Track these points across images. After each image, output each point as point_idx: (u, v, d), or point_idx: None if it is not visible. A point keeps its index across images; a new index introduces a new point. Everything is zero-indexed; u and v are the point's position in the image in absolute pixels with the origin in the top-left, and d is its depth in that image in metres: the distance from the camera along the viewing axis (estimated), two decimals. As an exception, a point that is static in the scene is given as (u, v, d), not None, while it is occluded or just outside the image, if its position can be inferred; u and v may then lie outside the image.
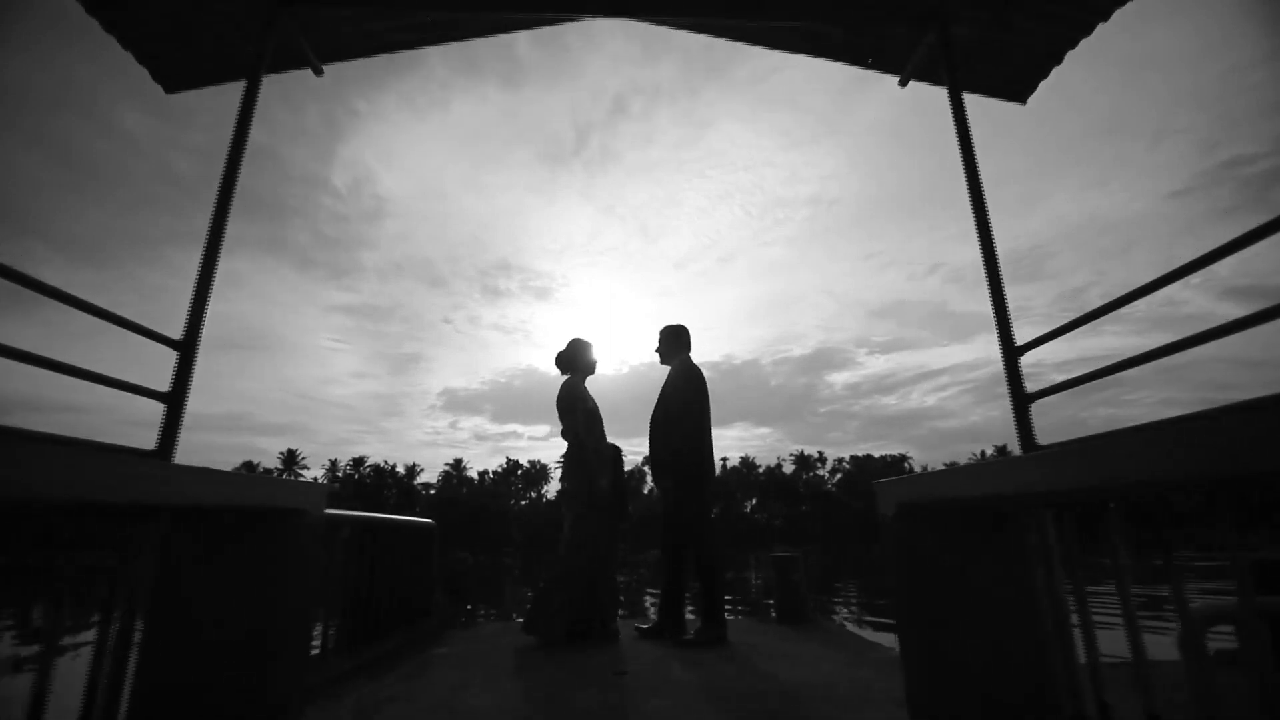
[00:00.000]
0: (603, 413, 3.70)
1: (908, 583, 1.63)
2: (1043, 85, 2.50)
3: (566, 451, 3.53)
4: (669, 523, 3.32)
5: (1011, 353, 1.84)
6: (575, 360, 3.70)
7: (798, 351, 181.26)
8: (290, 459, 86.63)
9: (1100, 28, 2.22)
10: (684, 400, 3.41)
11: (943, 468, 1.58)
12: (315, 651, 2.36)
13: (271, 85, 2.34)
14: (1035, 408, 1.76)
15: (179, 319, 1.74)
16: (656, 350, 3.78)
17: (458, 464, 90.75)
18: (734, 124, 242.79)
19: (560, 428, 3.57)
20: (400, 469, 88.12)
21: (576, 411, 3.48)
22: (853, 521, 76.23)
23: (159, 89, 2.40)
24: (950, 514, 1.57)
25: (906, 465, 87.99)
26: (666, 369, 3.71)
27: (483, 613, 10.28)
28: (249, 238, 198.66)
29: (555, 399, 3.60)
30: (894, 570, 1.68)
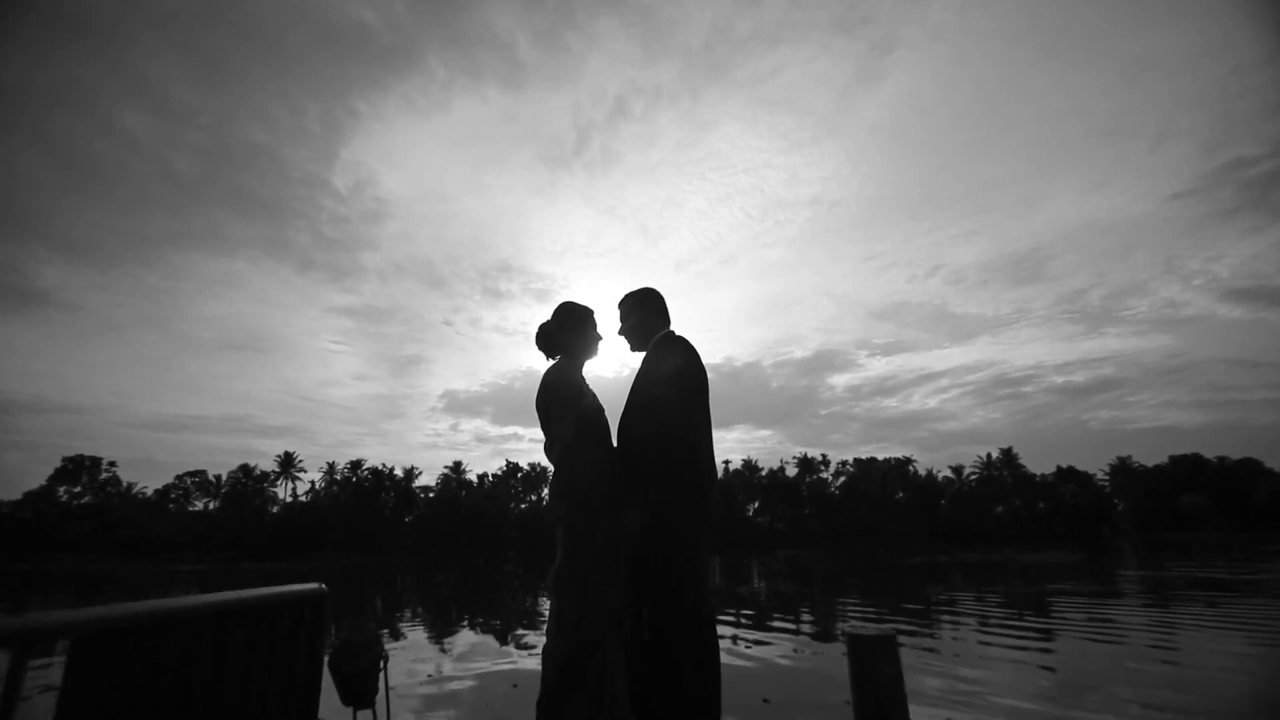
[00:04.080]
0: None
1: None
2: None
3: (554, 477, 2.15)
4: (636, 571, 2.07)
5: None
6: (566, 336, 2.35)
7: (799, 353, 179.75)
8: (287, 461, 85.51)
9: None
10: (670, 392, 2.16)
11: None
12: None
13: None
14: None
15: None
16: (621, 331, 2.52)
17: (457, 466, 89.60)
18: (734, 125, 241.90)
19: (544, 440, 2.22)
20: (399, 471, 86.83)
21: (566, 415, 2.13)
22: (858, 524, 74.85)
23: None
24: None
25: (911, 468, 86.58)
26: (641, 358, 2.43)
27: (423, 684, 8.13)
28: (249, 239, 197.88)
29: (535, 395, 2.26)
30: None
